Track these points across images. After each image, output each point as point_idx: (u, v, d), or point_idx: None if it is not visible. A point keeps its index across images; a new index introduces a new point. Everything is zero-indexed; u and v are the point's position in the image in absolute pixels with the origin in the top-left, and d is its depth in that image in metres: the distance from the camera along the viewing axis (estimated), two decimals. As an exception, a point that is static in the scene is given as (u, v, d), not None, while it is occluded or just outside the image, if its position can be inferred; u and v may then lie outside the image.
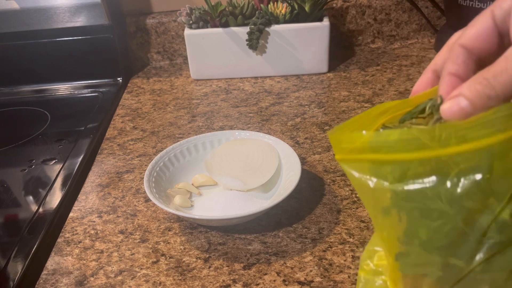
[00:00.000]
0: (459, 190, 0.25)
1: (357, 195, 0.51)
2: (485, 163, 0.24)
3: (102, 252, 0.47)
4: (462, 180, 0.24)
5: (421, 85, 0.31)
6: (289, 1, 0.76)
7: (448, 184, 0.25)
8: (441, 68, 0.30)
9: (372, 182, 0.27)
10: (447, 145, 0.25)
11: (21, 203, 0.56)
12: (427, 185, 0.25)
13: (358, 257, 0.43)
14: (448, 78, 0.28)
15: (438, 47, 0.85)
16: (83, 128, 0.70)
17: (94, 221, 0.51)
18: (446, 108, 0.26)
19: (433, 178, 0.25)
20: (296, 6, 0.76)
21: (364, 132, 0.27)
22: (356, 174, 0.28)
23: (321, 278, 0.42)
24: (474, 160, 0.24)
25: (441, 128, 0.25)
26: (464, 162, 0.24)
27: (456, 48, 0.28)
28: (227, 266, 0.44)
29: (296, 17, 0.77)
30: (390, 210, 0.27)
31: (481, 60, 0.28)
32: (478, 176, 0.24)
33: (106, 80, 0.85)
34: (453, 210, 0.25)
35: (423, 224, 0.26)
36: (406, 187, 0.26)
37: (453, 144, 0.24)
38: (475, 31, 0.27)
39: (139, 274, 0.44)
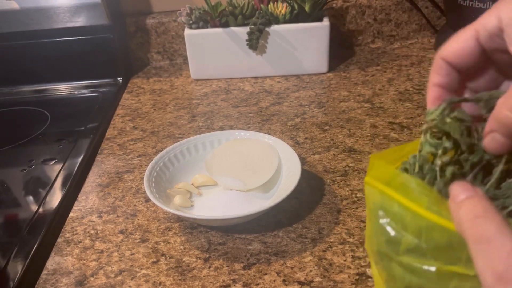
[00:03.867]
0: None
1: (357, 195, 0.51)
2: None
3: (102, 252, 0.47)
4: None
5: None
6: (289, 1, 0.76)
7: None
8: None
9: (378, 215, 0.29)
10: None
11: (21, 203, 0.56)
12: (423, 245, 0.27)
13: (358, 257, 0.43)
14: (433, 89, 0.29)
15: (438, 47, 0.85)
16: (83, 128, 0.70)
17: (94, 221, 0.51)
18: (487, 144, 0.26)
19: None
20: (296, 6, 0.76)
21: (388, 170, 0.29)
22: (370, 200, 0.30)
23: (321, 278, 0.42)
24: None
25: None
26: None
27: (438, 60, 0.29)
28: (227, 266, 0.44)
29: (296, 17, 0.77)
30: (382, 257, 0.30)
31: (463, 71, 0.29)
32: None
33: (106, 80, 0.85)
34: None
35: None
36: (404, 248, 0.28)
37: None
38: (457, 48, 0.28)
39: (139, 274, 0.44)
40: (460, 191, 0.25)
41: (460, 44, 0.27)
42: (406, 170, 0.30)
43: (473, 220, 0.23)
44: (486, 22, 0.26)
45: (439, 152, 0.27)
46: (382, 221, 0.29)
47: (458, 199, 0.25)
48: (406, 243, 0.28)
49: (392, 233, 0.28)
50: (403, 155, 0.32)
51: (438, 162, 0.27)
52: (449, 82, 0.29)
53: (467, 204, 0.24)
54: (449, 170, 0.27)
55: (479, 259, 0.22)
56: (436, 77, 0.29)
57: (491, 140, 0.25)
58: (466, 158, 0.27)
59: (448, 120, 0.27)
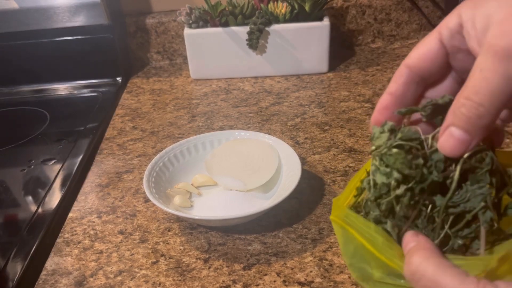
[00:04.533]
0: None
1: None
2: None
3: (101, 252, 0.47)
4: None
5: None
6: (289, 1, 0.76)
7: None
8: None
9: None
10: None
11: (21, 203, 0.56)
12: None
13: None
14: (384, 97, 0.28)
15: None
16: (82, 128, 0.70)
17: (94, 222, 0.51)
18: (442, 144, 0.24)
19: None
20: (296, 6, 0.76)
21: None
22: (338, 233, 0.30)
23: (321, 278, 0.41)
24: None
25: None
26: None
27: (401, 68, 0.28)
28: (227, 266, 0.44)
29: (296, 16, 0.77)
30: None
31: (425, 81, 0.28)
32: None
33: (105, 80, 0.85)
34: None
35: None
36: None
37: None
38: (420, 52, 0.27)
39: (138, 274, 0.44)
40: (408, 241, 0.25)
41: (424, 47, 0.27)
42: (358, 204, 0.30)
43: (412, 278, 0.24)
44: (448, 21, 0.26)
45: (392, 183, 0.25)
46: (352, 259, 0.29)
47: (405, 250, 0.25)
48: (377, 277, 0.28)
49: (364, 270, 0.29)
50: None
51: (392, 194, 0.26)
52: (404, 92, 0.28)
53: (407, 259, 0.24)
54: (405, 200, 0.25)
55: None
56: (392, 85, 0.28)
57: (447, 138, 0.24)
58: (419, 186, 0.25)
59: (394, 151, 0.25)
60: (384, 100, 0.28)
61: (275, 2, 0.77)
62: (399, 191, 0.25)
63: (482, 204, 0.25)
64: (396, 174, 0.25)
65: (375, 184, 0.27)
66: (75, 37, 0.82)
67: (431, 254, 0.24)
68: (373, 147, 0.27)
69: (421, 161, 0.25)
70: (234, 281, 0.42)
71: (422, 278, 0.23)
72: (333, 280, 0.41)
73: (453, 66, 0.28)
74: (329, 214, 0.49)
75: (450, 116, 0.24)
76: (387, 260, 0.26)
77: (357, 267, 0.30)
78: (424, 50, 0.27)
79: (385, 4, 0.87)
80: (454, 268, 0.22)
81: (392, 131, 0.26)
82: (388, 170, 0.26)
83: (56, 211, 0.53)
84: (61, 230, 0.50)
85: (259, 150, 0.54)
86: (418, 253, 0.24)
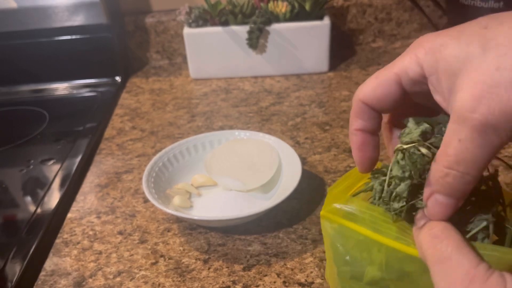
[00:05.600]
0: None
1: (358, 196, 0.51)
2: None
3: (100, 253, 0.47)
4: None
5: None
6: (290, 0, 0.75)
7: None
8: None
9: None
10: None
11: (19, 203, 0.56)
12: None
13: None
14: (357, 134, 0.28)
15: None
16: (81, 128, 0.70)
17: (93, 222, 0.51)
18: (430, 211, 0.24)
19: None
20: (296, 5, 0.75)
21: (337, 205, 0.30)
22: (327, 234, 0.31)
23: (322, 279, 0.41)
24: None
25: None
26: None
27: (359, 103, 0.27)
28: (226, 267, 0.44)
29: (296, 16, 0.76)
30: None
31: (382, 112, 0.28)
32: None
33: (104, 79, 0.84)
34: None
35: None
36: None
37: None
38: (379, 93, 0.26)
39: (138, 275, 0.43)
40: (421, 216, 0.25)
41: (381, 89, 0.26)
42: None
43: (431, 241, 0.23)
44: (407, 68, 0.25)
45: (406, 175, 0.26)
46: (342, 255, 0.29)
47: (419, 225, 0.25)
48: (370, 276, 0.28)
49: (353, 266, 0.29)
50: (360, 178, 0.32)
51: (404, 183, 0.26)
52: (373, 126, 0.28)
53: (426, 227, 0.24)
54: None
55: (438, 279, 0.22)
56: (359, 122, 0.28)
57: (434, 204, 0.24)
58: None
59: (417, 153, 0.25)
60: (359, 137, 0.28)
61: (275, 1, 0.76)
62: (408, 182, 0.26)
63: (484, 223, 0.25)
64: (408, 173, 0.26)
65: (391, 177, 0.27)
66: (74, 37, 0.82)
67: (453, 229, 0.23)
68: (403, 140, 0.27)
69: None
70: (234, 282, 0.42)
71: (440, 249, 0.23)
72: (333, 281, 0.41)
73: (412, 98, 0.27)
74: (329, 214, 0.49)
75: (434, 185, 0.24)
76: (395, 241, 0.26)
77: (341, 271, 0.30)
78: (381, 92, 0.26)
79: (386, 4, 0.86)
80: (471, 251, 0.22)
81: (425, 133, 0.26)
82: (405, 165, 0.26)
83: (55, 211, 0.53)
84: (60, 231, 0.50)
85: (259, 150, 0.54)
86: (439, 225, 0.24)
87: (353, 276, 0.30)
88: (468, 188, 0.23)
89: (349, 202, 0.29)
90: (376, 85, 0.26)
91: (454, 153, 0.22)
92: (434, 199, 0.24)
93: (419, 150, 0.25)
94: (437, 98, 0.24)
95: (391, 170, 0.27)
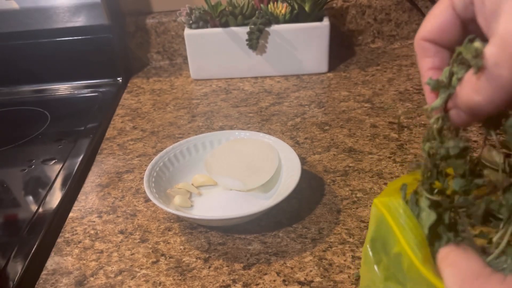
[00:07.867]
0: None
1: (357, 196, 0.51)
2: None
3: (102, 252, 0.47)
4: None
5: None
6: (289, 1, 0.76)
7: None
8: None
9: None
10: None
11: (21, 203, 0.56)
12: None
13: (358, 257, 0.43)
14: (432, 74, 0.26)
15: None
16: (82, 128, 0.70)
17: (94, 221, 0.51)
18: (453, 116, 0.24)
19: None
20: (296, 6, 0.76)
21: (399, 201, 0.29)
22: (376, 217, 0.30)
23: (321, 278, 0.41)
24: None
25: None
26: None
27: (420, 43, 0.26)
28: (227, 266, 0.44)
29: (296, 17, 0.77)
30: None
31: (445, 45, 0.26)
32: None
33: (105, 80, 0.85)
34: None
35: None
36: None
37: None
38: (436, 23, 0.25)
39: (139, 274, 0.44)
40: (443, 252, 0.25)
41: (438, 18, 0.25)
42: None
43: (453, 266, 0.24)
44: None
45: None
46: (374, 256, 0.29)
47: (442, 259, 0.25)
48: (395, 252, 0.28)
49: (378, 273, 0.29)
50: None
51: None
52: (442, 62, 0.26)
53: (449, 257, 0.24)
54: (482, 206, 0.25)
55: (447, 276, 0.23)
56: (427, 60, 0.26)
57: (456, 115, 0.24)
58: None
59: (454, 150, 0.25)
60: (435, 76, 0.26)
61: (275, 2, 0.77)
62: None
63: None
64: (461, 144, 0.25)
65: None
66: (75, 37, 0.82)
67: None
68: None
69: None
70: (234, 281, 0.42)
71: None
72: (332, 280, 0.41)
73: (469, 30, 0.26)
74: (329, 214, 0.49)
75: (457, 100, 0.24)
76: (429, 272, 0.26)
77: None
78: (438, 21, 0.25)
79: (385, 4, 0.87)
80: (480, 259, 0.23)
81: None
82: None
83: (57, 211, 0.53)
84: (62, 230, 0.51)
85: (259, 150, 0.54)
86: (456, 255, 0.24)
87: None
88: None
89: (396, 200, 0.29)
90: (433, 17, 0.26)
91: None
92: (456, 112, 0.24)
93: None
94: (480, 20, 0.23)
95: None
